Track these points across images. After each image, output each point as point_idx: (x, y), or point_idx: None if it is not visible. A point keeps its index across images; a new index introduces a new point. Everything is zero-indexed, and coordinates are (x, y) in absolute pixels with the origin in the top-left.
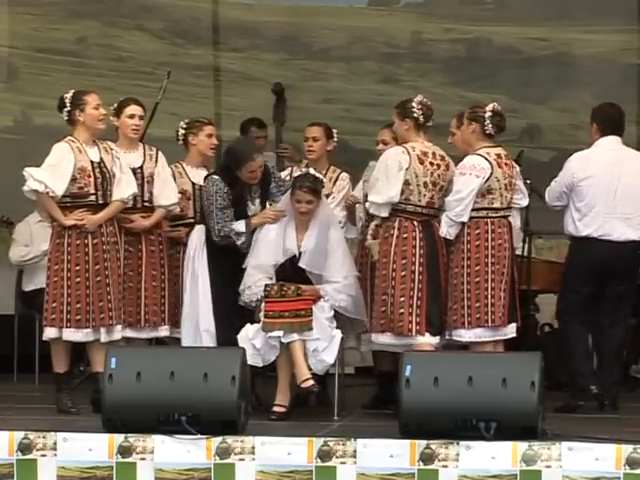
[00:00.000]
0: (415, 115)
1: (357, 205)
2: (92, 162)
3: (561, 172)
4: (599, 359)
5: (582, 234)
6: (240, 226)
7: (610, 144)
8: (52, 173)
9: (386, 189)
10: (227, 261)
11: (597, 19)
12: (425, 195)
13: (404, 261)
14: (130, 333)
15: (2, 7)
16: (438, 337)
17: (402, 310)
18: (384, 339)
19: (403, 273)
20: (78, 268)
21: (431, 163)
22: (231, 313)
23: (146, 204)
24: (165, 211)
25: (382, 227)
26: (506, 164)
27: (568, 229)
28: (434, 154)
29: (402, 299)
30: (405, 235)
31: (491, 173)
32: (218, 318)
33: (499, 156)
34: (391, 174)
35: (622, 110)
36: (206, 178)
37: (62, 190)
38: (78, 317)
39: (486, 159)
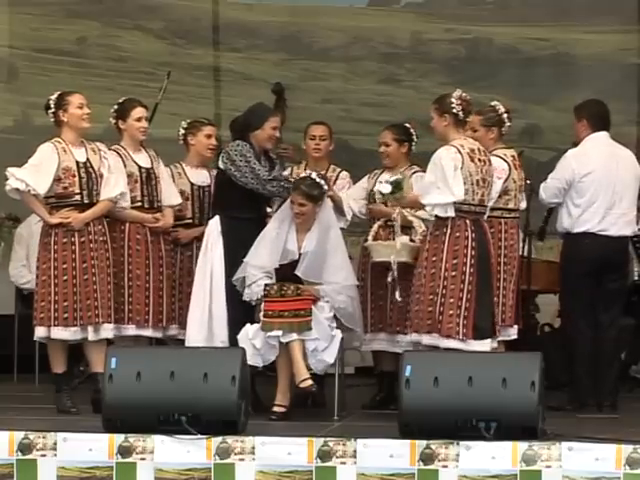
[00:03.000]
0: (455, 111)
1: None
2: (77, 162)
3: (558, 168)
4: (598, 358)
5: (580, 230)
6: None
7: (603, 139)
8: (34, 172)
9: (450, 188)
10: (242, 252)
11: (597, 19)
12: (477, 193)
13: (455, 261)
14: (134, 331)
15: (2, 7)
16: (489, 340)
17: (451, 312)
18: (429, 340)
19: (454, 273)
20: (65, 266)
21: (479, 160)
22: (244, 302)
23: (158, 204)
24: (174, 210)
25: (434, 225)
26: (519, 166)
27: (563, 225)
28: (479, 150)
29: (451, 300)
30: (458, 234)
31: (509, 174)
32: (231, 306)
33: (513, 157)
34: (449, 173)
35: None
36: (223, 150)
37: (44, 189)
38: (65, 315)
39: (504, 160)
